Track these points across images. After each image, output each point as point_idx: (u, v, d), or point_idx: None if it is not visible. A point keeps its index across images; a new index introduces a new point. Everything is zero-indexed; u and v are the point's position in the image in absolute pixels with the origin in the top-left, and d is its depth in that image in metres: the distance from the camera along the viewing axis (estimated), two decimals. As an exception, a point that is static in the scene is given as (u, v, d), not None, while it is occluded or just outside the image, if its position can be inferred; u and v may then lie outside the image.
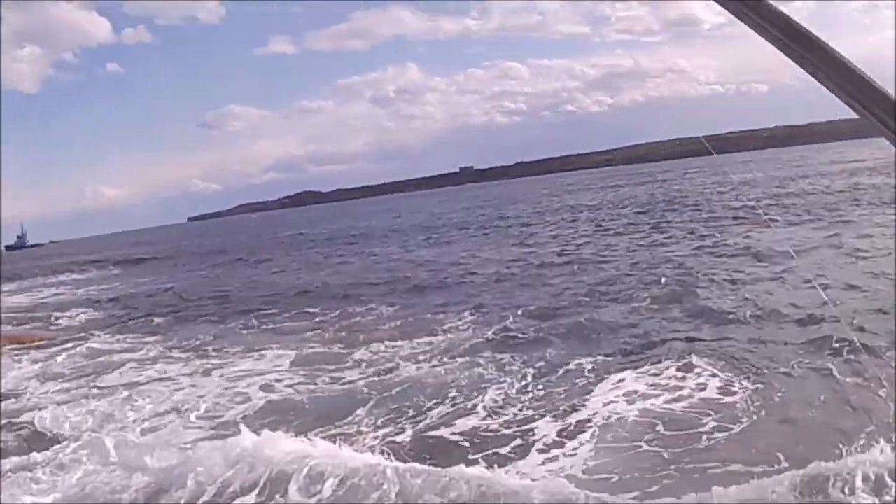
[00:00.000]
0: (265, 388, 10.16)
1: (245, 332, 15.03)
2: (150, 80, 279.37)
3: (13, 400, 10.55)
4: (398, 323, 13.88)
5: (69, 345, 14.97)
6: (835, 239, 17.73)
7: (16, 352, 14.48)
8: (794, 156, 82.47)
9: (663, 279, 15.25)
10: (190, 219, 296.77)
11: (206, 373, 11.36)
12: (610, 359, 9.83)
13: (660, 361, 9.32)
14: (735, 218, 25.21)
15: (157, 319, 17.79)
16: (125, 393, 10.30)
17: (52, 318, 20.33)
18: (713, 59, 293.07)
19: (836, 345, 8.85)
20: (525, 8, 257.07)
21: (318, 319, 15.34)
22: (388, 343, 11.93)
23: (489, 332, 12.13)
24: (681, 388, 8.28)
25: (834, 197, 28.59)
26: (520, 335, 11.86)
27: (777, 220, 23.01)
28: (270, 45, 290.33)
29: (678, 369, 8.93)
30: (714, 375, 8.53)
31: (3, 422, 9.19)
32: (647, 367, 9.18)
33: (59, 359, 13.49)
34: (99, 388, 10.91)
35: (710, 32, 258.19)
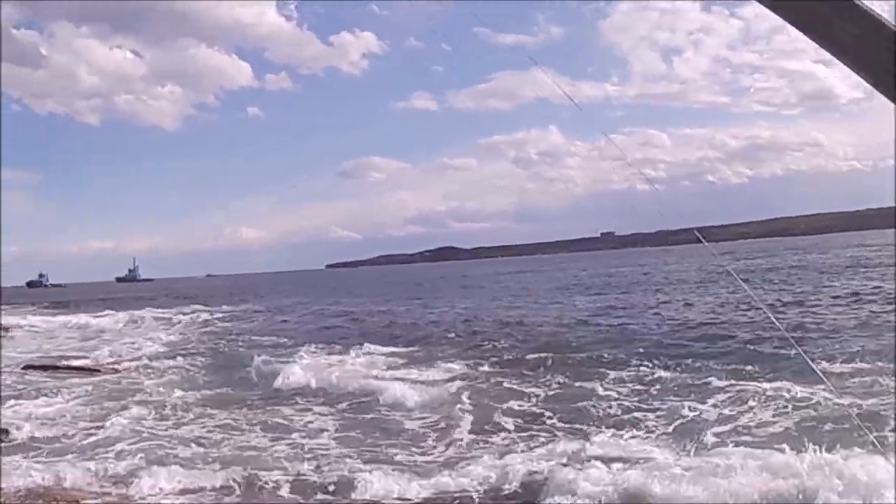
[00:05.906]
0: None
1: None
2: (289, 125, 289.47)
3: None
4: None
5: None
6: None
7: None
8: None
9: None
10: (328, 266, 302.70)
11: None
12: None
13: None
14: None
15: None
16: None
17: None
18: (850, 134, 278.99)
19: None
20: (665, 76, 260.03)
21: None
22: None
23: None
24: None
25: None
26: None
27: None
28: (412, 100, 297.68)
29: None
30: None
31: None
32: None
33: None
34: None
35: (846, 107, 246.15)
